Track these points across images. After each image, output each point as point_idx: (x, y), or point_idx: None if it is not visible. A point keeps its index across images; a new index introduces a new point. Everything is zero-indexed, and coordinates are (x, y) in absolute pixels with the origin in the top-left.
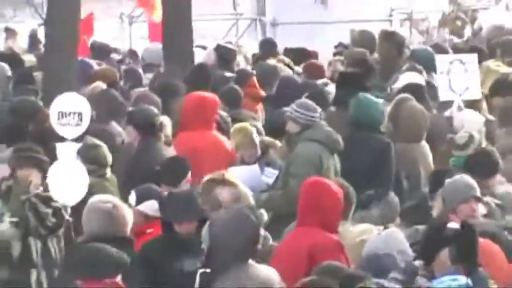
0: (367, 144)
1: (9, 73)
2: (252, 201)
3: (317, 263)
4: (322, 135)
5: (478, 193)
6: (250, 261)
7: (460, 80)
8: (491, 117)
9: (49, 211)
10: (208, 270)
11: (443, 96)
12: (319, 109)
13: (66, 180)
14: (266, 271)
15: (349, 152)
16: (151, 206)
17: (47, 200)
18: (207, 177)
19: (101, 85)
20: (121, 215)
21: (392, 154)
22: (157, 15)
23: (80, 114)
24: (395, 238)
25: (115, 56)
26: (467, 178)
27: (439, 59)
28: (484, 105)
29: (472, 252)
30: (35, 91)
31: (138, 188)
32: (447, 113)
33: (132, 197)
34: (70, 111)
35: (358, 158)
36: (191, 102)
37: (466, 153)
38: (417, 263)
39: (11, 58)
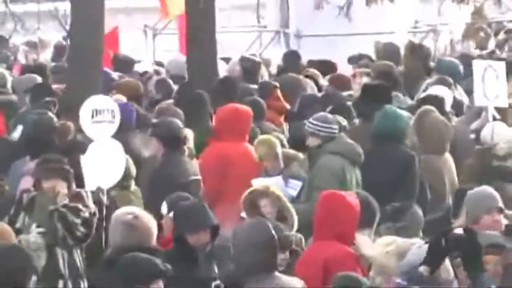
0: (391, 156)
1: None
2: (294, 214)
3: (333, 275)
4: (344, 148)
5: (501, 204)
6: (276, 272)
7: (492, 86)
8: None
9: (79, 221)
10: (221, 283)
11: (478, 101)
12: (340, 121)
13: (102, 162)
14: (292, 282)
15: (374, 164)
16: None
17: (76, 211)
18: (251, 188)
19: (120, 97)
20: (144, 226)
21: (416, 166)
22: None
23: (113, 111)
24: None
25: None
26: (490, 189)
27: (476, 64)
28: None
29: (475, 259)
30: (53, 103)
31: (169, 197)
32: (473, 126)
33: (164, 207)
34: (104, 108)
35: (383, 170)
36: (225, 113)
37: (507, 163)
38: (423, 269)
39: (40, 70)
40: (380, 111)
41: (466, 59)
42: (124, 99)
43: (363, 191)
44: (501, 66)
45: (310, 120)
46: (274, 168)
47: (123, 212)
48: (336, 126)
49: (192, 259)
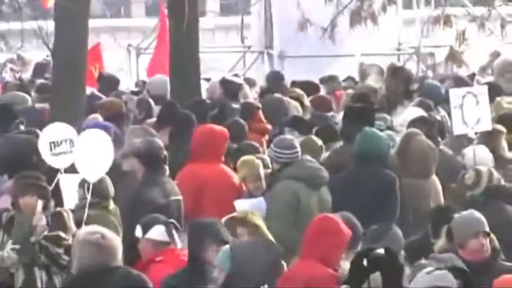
0: (372, 178)
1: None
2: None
3: None
4: (300, 172)
5: (487, 228)
6: None
7: (472, 113)
8: (509, 155)
9: (61, 250)
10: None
11: (457, 130)
12: (297, 146)
13: (91, 155)
14: None
15: (354, 186)
16: (157, 232)
17: (58, 240)
18: (230, 215)
19: (98, 117)
20: (111, 245)
21: (397, 188)
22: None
23: (71, 141)
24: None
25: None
26: (477, 214)
27: (453, 93)
28: (503, 142)
29: (396, 278)
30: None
31: (142, 220)
32: (465, 151)
33: (138, 230)
34: (61, 139)
35: (363, 192)
36: (201, 134)
37: (476, 192)
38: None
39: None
40: (360, 133)
41: (460, 82)
42: (100, 118)
43: (347, 214)
44: (483, 90)
45: (271, 145)
46: (256, 189)
47: (89, 231)
48: (295, 151)
49: (205, 276)
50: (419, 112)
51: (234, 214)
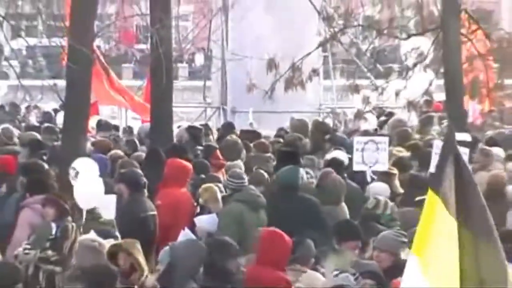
0: (296, 202)
1: None
2: (145, 268)
3: None
4: (245, 196)
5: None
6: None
7: (371, 155)
8: (401, 190)
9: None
10: None
11: (356, 167)
12: (245, 177)
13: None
14: None
15: (284, 207)
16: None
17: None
18: (112, 243)
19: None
20: (105, 250)
21: (320, 209)
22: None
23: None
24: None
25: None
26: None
27: (357, 140)
28: (396, 181)
29: None
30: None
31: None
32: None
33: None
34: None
35: (290, 212)
36: (172, 166)
37: (377, 211)
38: None
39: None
40: (284, 168)
41: (364, 134)
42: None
43: (277, 229)
44: (384, 140)
45: (226, 176)
46: (215, 209)
47: (88, 239)
48: (243, 180)
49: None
50: (340, 153)
51: (116, 242)
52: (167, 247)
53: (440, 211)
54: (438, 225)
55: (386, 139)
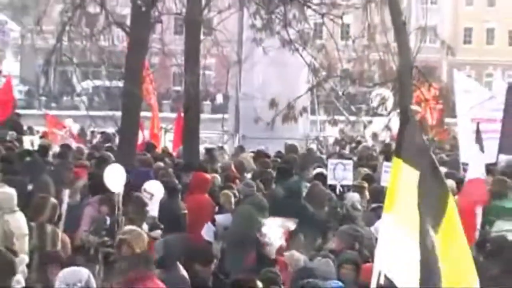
0: (293, 205)
1: None
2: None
3: None
4: (254, 201)
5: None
6: None
7: (340, 173)
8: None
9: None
10: None
11: (329, 182)
12: (253, 185)
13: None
14: None
15: (284, 209)
16: None
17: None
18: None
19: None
20: None
21: (310, 212)
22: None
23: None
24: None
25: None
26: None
27: (330, 161)
28: (366, 192)
29: None
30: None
31: None
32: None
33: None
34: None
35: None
36: (197, 178)
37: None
38: None
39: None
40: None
41: (340, 157)
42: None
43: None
44: (349, 162)
45: (241, 184)
46: (230, 210)
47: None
48: (252, 188)
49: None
50: (319, 170)
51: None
52: (161, 239)
53: (404, 169)
54: (403, 181)
55: (351, 162)
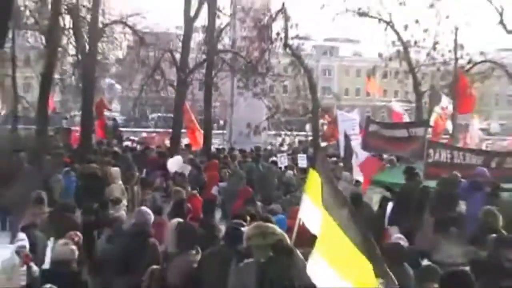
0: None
1: None
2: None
3: None
4: (237, 175)
5: None
6: None
7: (282, 160)
8: None
9: None
10: None
11: (280, 165)
12: (238, 167)
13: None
14: None
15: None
16: None
17: None
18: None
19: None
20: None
21: None
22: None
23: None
24: None
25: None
26: None
27: (279, 155)
28: None
29: None
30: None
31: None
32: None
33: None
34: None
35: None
36: (210, 163)
37: None
38: None
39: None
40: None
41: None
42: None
43: None
44: (285, 155)
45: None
46: (226, 180)
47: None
48: (237, 168)
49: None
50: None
51: None
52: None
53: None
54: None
55: (285, 154)
